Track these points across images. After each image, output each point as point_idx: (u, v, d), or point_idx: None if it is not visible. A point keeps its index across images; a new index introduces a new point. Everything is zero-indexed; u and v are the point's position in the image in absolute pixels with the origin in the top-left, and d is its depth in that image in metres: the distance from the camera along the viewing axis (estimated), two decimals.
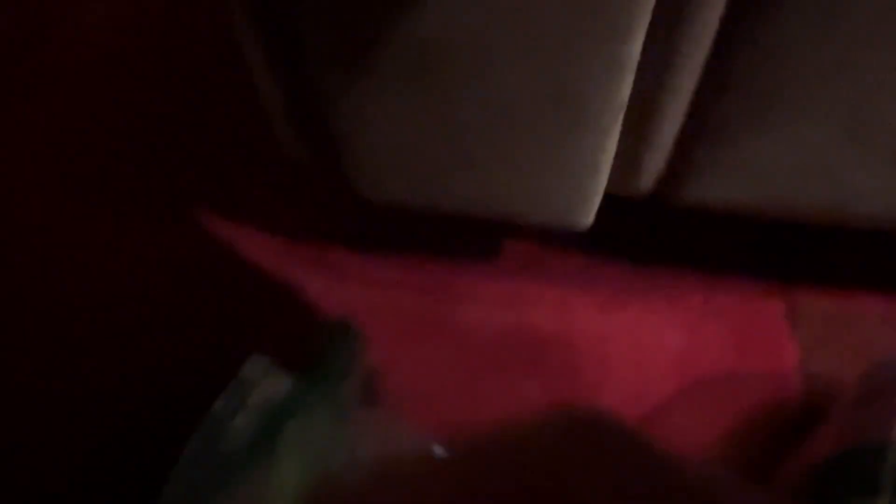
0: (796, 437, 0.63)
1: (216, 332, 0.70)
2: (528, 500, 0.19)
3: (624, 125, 0.54)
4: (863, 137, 0.51)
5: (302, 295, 0.72)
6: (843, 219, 0.59)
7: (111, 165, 0.85)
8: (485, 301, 0.72)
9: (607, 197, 0.62)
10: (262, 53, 0.52)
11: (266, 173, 0.82)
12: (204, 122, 0.88)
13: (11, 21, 1.03)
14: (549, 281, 0.74)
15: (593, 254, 0.77)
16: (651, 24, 0.45)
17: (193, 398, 0.56)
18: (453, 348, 0.67)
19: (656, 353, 0.68)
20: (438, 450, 0.39)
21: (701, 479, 0.21)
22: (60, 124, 0.89)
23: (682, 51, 0.48)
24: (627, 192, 0.63)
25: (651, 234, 0.78)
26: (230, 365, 0.55)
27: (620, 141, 0.56)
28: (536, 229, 0.75)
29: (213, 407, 0.55)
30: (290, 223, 0.79)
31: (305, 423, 0.51)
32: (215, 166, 0.84)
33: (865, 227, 0.60)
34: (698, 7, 0.45)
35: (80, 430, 0.65)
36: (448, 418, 0.58)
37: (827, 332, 0.71)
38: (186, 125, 0.88)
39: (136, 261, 0.76)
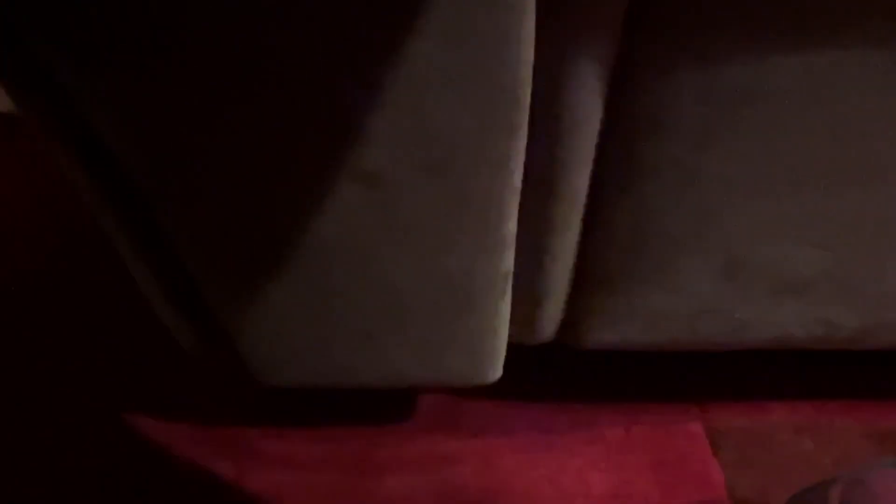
0: None
1: None
2: None
3: (515, 287, 0.56)
4: (739, 276, 0.54)
5: (216, 483, 0.70)
6: (739, 347, 0.62)
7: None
8: (407, 467, 0.71)
9: (515, 345, 0.63)
10: (147, 269, 0.52)
11: (166, 360, 0.81)
12: (111, 321, 0.87)
13: None
14: (468, 433, 0.74)
15: (510, 398, 0.78)
16: (521, 202, 0.48)
17: None
18: None
19: (583, 499, 0.68)
20: None
21: None
22: None
23: (556, 220, 0.51)
24: (531, 342, 0.65)
25: (565, 372, 0.80)
26: None
27: (515, 301, 0.58)
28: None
29: None
30: (197, 408, 0.77)
31: None
32: (119, 359, 0.83)
33: (763, 349, 0.64)
34: (564, 184, 0.48)
35: None
36: None
37: (748, 452, 0.73)
38: (92, 323, 0.87)
39: (45, 459, 0.73)
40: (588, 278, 0.57)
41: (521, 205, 0.49)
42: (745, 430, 0.75)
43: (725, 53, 0.40)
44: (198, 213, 0.46)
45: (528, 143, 0.44)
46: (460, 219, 0.45)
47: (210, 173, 0.43)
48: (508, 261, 0.51)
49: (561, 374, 0.80)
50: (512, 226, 0.48)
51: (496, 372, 0.63)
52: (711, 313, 0.58)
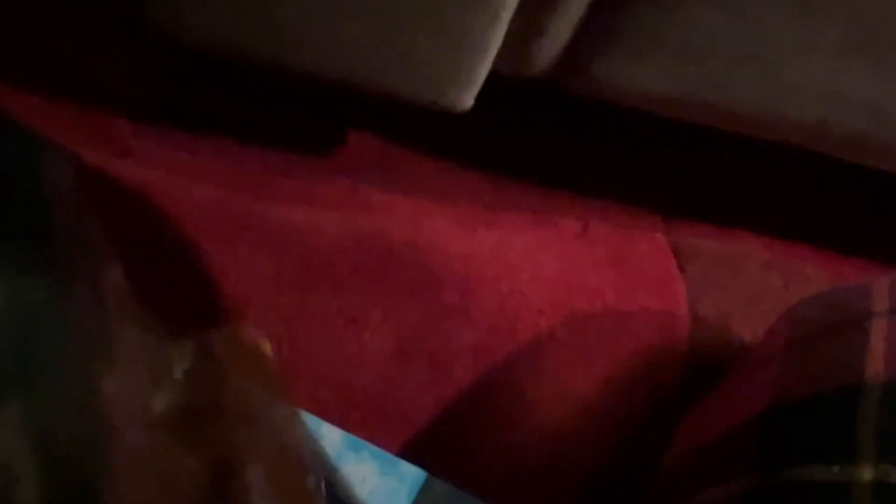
0: (688, 390, 0.58)
1: None
2: None
3: None
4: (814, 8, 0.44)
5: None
6: (769, 127, 0.53)
7: None
8: (318, 203, 0.60)
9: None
10: None
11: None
12: None
13: None
14: (398, 187, 0.63)
15: (451, 163, 0.67)
16: None
17: None
18: (277, 254, 0.55)
19: (528, 279, 0.59)
20: None
21: None
22: None
23: None
24: (520, 72, 0.54)
25: (516, 149, 0.69)
26: None
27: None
28: (380, 123, 0.64)
29: None
30: (68, 84, 0.62)
31: None
32: None
33: (793, 142, 0.55)
34: None
35: None
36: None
37: (714, 273, 0.66)
38: None
39: None
40: None
41: None
42: (712, 252, 0.68)
43: None
44: None
45: None
46: None
47: None
48: None
49: (516, 150, 0.69)
50: None
51: (470, 95, 0.52)
52: (755, 62, 0.48)
